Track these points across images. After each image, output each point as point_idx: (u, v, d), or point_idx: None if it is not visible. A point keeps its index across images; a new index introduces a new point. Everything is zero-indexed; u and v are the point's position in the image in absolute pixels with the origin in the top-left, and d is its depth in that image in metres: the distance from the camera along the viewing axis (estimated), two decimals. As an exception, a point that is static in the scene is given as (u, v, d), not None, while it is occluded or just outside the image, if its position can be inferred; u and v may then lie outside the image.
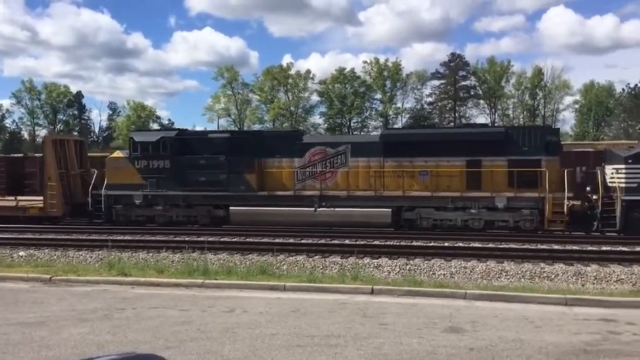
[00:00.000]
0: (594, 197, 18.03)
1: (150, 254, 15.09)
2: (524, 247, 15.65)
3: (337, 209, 19.42)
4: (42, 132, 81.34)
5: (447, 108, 74.50)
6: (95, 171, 21.88)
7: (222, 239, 17.28)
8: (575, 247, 15.37)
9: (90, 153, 28.41)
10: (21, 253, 15.88)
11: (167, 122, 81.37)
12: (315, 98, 74.92)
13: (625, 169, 17.48)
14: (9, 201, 22.83)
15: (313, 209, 19.50)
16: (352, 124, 73.63)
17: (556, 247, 15.60)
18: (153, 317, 8.73)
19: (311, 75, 74.38)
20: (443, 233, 18.14)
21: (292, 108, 74.00)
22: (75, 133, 72.81)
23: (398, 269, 13.31)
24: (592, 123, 68.43)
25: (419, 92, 75.15)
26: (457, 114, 73.12)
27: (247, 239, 17.64)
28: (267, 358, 6.66)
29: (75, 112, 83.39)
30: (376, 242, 16.66)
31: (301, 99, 74.80)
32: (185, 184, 20.51)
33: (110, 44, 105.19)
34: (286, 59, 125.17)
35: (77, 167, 23.23)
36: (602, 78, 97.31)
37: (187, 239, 17.24)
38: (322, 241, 17.10)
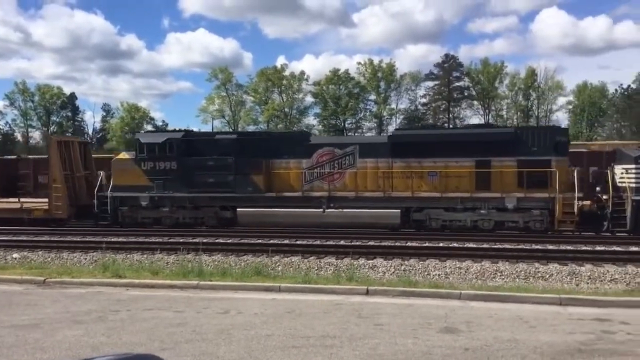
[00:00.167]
0: (604, 197, 17.96)
1: (145, 256, 15.03)
2: (519, 247, 15.68)
3: (345, 210, 19.31)
4: (35, 134, 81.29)
5: (441, 109, 74.68)
6: (102, 173, 21.73)
7: (216, 240, 17.26)
8: (569, 247, 15.42)
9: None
10: (15, 255, 15.79)
11: (161, 124, 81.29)
12: (309, 99, 75.19)
13: (636, 168, 17.41)
14: (13, 203, 22.65)
15: (321, 210, 19.37)
16: (346, 125, 73.73)
17: (550, 247, 15.64)
18: (148, 319, 8.70)
19: (305, 77, 74.63)
20: (437, 233, 18.14)
21: (286, 109, 74.05)
22: (69, 135, 72.46)
23: (393, 270, 13.33)
24: (585, 124, 68.78)
25: (413, 93, 75.56)
26: (451, 115, 73.36)
27: (242, 240, 17.61)
28: (263, 359, 6.65)
29: (69, 114, 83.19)
30: (371, 243, 16.65)
31: (295, 100, 74.94)
32: (192, 186, 20.39)
33: (104, 46, 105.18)
34: (280, 60, 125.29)
35: (82, 168, 23.14)
36: (595, 79, 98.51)
37: (181, 240, 17.20)
38: (317, 242, 17.09)
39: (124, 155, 22.44)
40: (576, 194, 17.50)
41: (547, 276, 12.54)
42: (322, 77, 74.12)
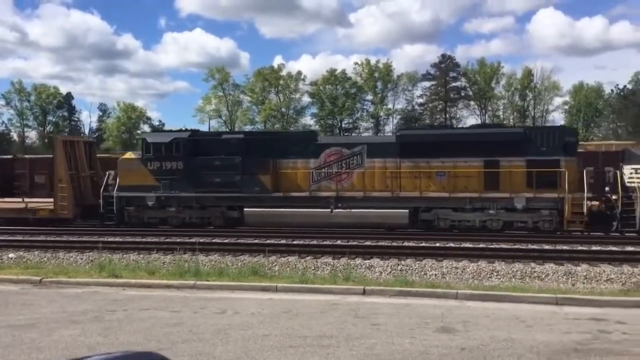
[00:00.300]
0: (614, 197, 17.93)
1: (141, 256, 14.98)
2: (515, 247, 15.71)
3: (353, 210, 19.21)
4: (31, 134, 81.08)
5: (438, 109, 74.86)
6: (109, 173, 21.65)
7: (213, 240, 17.24)
8: (565, 247, 15.44)
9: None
10: (11, 255, 15.73)
11: (157, 124, 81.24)
12: (306, 99, 75.25)
13: None
14: (17, 203, 22.57)
15: (329, 210, 19.28)
16: (343, 125, 73.79)
17: (547, 247, 15.66)
18: (144, 319, 8.69)
19: (302, 77, 74.72)
20: (433, 233, 18.14)
21: (283, 109, 74.05)
22: (65, 134, 72.26)
23: (390, 270, 13.33)
24: (581, 124, 68.87)
25: (410, 94, 75.67)
26: (447, 115, 73.45)
27: (239, 240, 17.59)
28: (260, 359, 6.65)
29: (65, 114, 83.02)
30: (368, 243, 16.66)
31: (292, 100, 74.97)
32: (199, 185, 20.30)
33: (100, 45, 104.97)
34: (277, 60, 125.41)
35: (87, 168, 23.03)
36: (591, 79, 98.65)
37: (178, 240, 17.17)
38: (314, 242, 17.09)
39: (130, 155, 22.32)
40: (585, 194, 17.46)
41: (544, 276, 12.56)
42: (319, 77, 74.36)
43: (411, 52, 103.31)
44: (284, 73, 74.60)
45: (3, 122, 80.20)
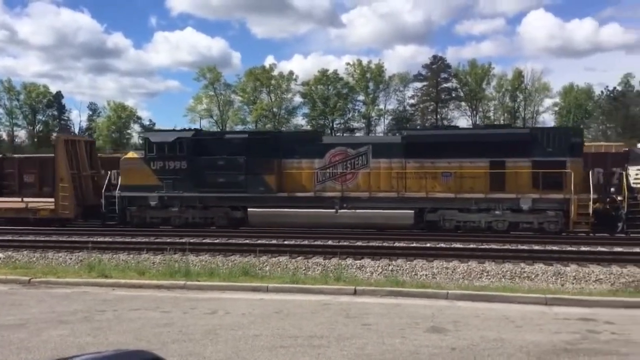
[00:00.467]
0: (619, 198, 17.97)
1: (131, 256, 14.91)
2: (505, 247, 15.76)
3: (358, 211, 19.13)
4: (21, 133, 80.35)
5: (429, 110, 75.11)
6: (111, 172, 21.49)
7: (203, 240, 17.19)
8: (554, 248, 15.55)
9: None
10: (-1, 255, 15.62)
11: (148, 123, 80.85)
12: (298, 99, 75.24)
13: None
14: (18, 203, 22.37)
15: (334, 210, 19.17)
16: (334, 125, 73.84)
17: (536, 247, 15.75)
18: (134, 319, 8.65)
19: (294, 77, 74.64)
20: (424, 233, 18.20)
21: (274, 109, 73.97)
22: (55, 134, 71.77)
23: (381, 270, 13.35)
24: (571, 125, 69.31)
25: (401, 94, 75.87)
26: (439, 116, 73.67)
27: (230, 240, 17.55)
28: (250, 359, 6.64)
29: (55, 113, 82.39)
30: (359, 243, 16.67)
31: (284, 100, 74.92)
32: (202, 185, 20.15)
33: (91, 44, 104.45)
34: (269, 60, 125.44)
35: (88, 168, 22.90)
36: (581, 81, 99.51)
37: (168, 240, 17.10)
38: (305, 242, 17.08)
39: (132, 154, 22.16)
40: (591, 195, 17.49)
41: (533, 276, 12.64)
42: (310, 77, 74.35)
43: (403, 53, 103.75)
44: (275, 73, 74.65)
45: (-8, 121, 79.60)
